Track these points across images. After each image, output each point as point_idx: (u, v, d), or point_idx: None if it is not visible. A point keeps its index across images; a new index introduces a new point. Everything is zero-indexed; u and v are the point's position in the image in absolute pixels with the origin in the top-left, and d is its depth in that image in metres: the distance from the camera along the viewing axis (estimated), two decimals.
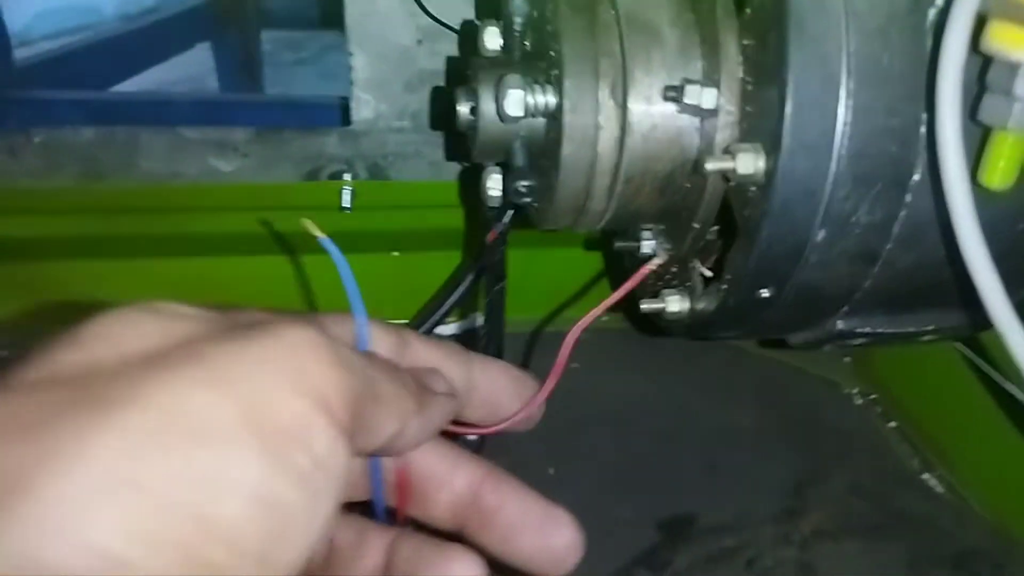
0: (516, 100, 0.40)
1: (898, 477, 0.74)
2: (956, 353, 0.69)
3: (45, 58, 1.26)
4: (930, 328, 0.43)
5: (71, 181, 0.77)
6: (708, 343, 0.86)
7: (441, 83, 0.74)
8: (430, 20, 0.69)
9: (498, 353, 0.48)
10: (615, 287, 0.87)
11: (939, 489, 0.72)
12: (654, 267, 0.44)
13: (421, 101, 0.75)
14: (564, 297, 0.87)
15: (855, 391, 0.84)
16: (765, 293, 0.40)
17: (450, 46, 0.72)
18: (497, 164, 0.48)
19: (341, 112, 0.78)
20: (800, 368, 0.85)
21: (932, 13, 0.34)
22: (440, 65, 0.73)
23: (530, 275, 0.83)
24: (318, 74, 2.15)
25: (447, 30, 0.70)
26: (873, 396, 0.83)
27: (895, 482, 0.73)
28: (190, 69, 1.65)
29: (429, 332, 0.74)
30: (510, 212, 0.46)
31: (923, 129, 0.35)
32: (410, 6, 0.69)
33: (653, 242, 0.47)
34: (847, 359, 0.87)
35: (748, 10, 0.37)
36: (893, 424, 0.80)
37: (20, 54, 1.09)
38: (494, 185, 0.48)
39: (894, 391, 0.82)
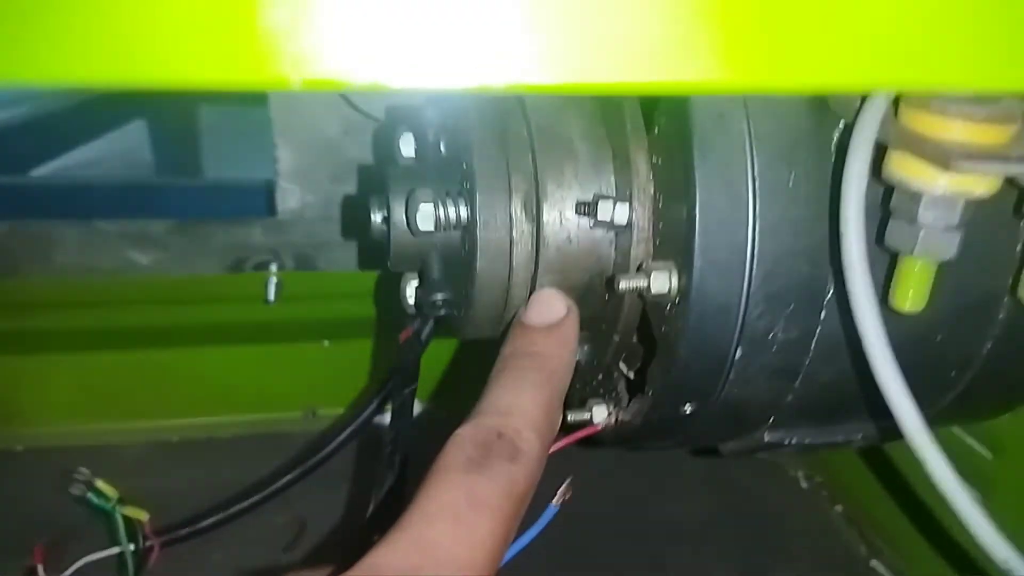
0: (426, 215, 0.39)
1: (845, 565, 0.73)
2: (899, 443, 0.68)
3: None
4: (857, 436, 0.43)
5: None
6: None
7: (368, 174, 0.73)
8: (355, 112, 0.68)
9: (404, 460, 0.46)
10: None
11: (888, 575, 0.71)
12: (597, 429, 0.43)
13: (348, 191, 0.73)
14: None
15: (800, 474, 0.83)
16: (688, 409, 0.39)
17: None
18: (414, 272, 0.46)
19: (267, 200, 0.76)
20: None
21: (836, 135, 0.34)
22: (368, 156, 0.72)
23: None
24: (259, 148, 2.13)
25: (374, 121, 0.69)
26: (818, 479, 0.83)
27: (843, 570, 0.72)
28: (124, 144, 1.61)
29: (358, 432, 0.72)
30: (429, 324, 0.44)
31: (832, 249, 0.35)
32: (334, 98, 0.68)
33: (578, 350, 0.46)
34: None
35: (656, 129, 0.37)
36: (839, 508, 0.79)
37: None
38: (412, 293, 0.46)
39: (839, 474, 0.81)
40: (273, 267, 0.75)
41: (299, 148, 0.71)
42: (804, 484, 0.83)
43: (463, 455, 0.31)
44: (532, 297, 0.39)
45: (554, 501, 0.36)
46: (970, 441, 0.60)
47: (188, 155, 1.57)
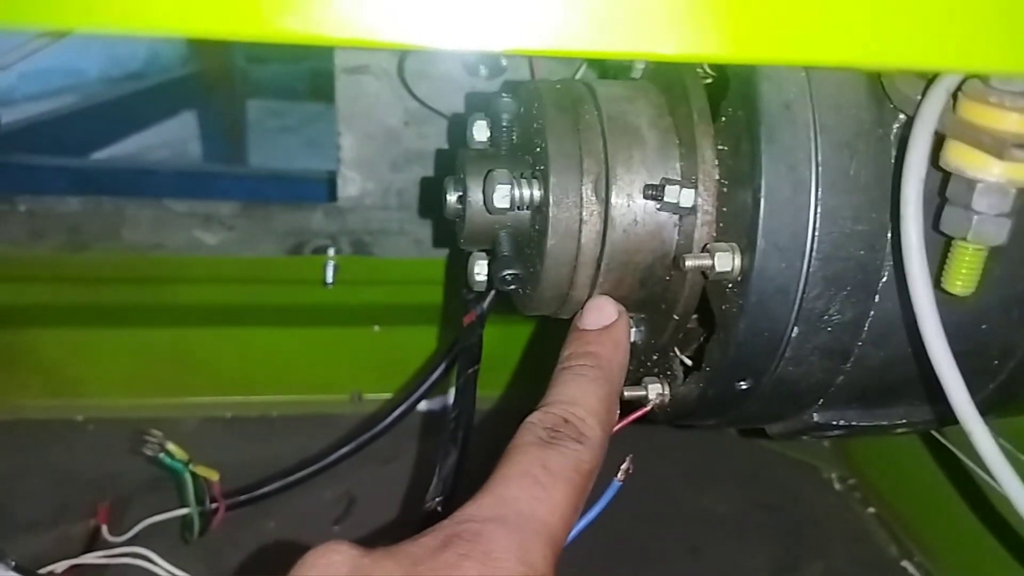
0: (503, 194, 0.42)
1: (877, 564, 0.74)
2: (934, 440, 0.70)
3: (29, 123, 1.28)
4: (901, 421, 0.44)
5: (55, 250, 0.77)
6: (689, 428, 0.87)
7: (426, 163, 0.76)
8: (416, 103, 0.71)
9: (466, 438, 0.49)
10: None
11: None
12: (650, 409, 0.46)
13: (406, 180, 0.76)
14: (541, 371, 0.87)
15: (834, 476, 0.85)
16: (743, 385, 0.41)
17: (436, 129, 0.74)
18: (483, 251, 0.49)
19: (328, 188, 0.80)
20: (780, 452, 0.86)
21: (896, 128, 0.37)
22: (426, 146, 0.75)
23: (506, 350, 0.84)
24: (303, 142, 2.18)
25: (434, 113, 0.72)
26: (852, 481, 0.84)
27: (874, 569, 0.73)
28: (173, 135, 1.66)
29: (411, 409, 0.75)
30: (490, 297, 0.47)
31: (889, 235, 0.37)
32: (398, 89, 0.71)
33: (635, 330, 0.48)
34: (826, 444, 0.88)
35: (723, 118, 0.40)
36: (872, 510, 0.80)
37: (3, 117, 1.11)
38: (480, 271, 0.49)
39: (872, 477, 0.82)
40: (331, 251, 0.79)
41: (361, 137, 0.74)
42: (838, 486, 0.84)
43: (534, 436, 0.35)
44: (586, 304, 0.43)
45: (617, 477, 0.39)
46: (1008, 446, 0.62)
47: (235, 147, 1.62)
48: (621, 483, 0.39)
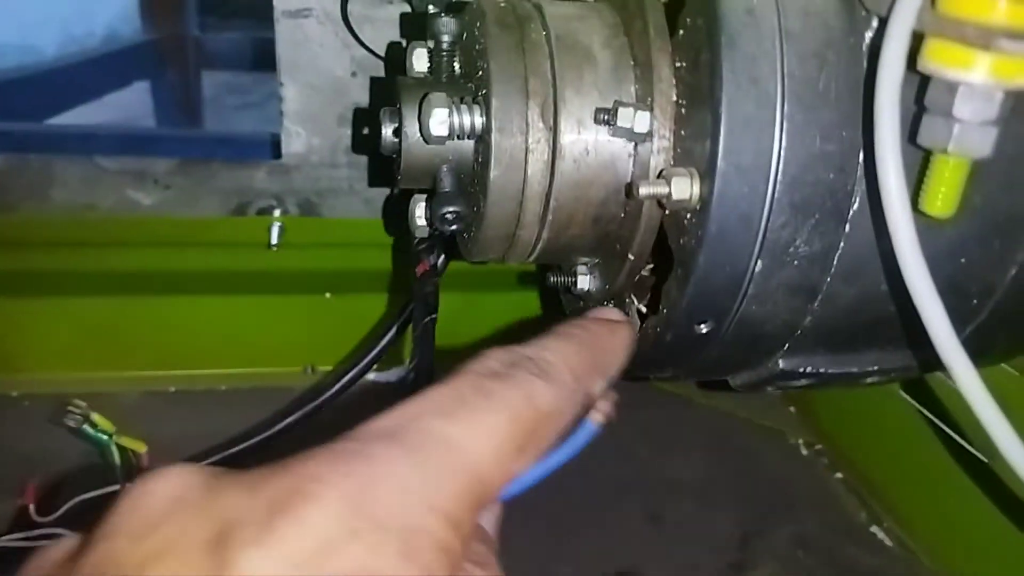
0: (440, 119, 0.38)
1: (846, 530, 0.72)
2: (902, 402, 0.68)
3: None
4: (873, 369, 0.41)
5: None
6: (654, 392, 0.85)
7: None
8: (365, 52, 0.67)
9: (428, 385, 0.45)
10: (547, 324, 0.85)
11: (888, 542, 0.71)
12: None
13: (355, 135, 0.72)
14: (503, 341, 0.84)
15: (801, 441, 0.83)
16: (703, 328, 0.38)
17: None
18: (424, 192, 0.45)
19: (272, 148, 0.75)
20: (746, 418, 0.84)
21: (869, 36, 0.33)
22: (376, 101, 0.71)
23: (464, 318, 0.80)
24: (264, 119, 2.12)
25: (383, 62, 0.68)
26: (819, 447, 0.82)
27: (843, 535, 0.71)
28: (126, 109, 1.60)
29: (365, 372, 0.71)
30: (442, 248, 0.43)
31: (862, 156, 0.33)
32: (344, 37, 0.67)
33: (589, 276, 0.45)
34: (792, 408, 0.86)
35: (681, 31, 0.36)
36: (839, 475, 0.78)
37: None
38: (422, 213, 0.45)
39: (840, 441, 0.80)
40: (276, 212, 0.74)
41: (305, 89, 0.69)
42: (805, 451, 0.82)
43: (484, 365, 0.27)
44: (591, 311, 0.35)
45: (592, 418, 0.29)
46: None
47: (190, 120, 1.56)
48: (598, 427, 0.29)
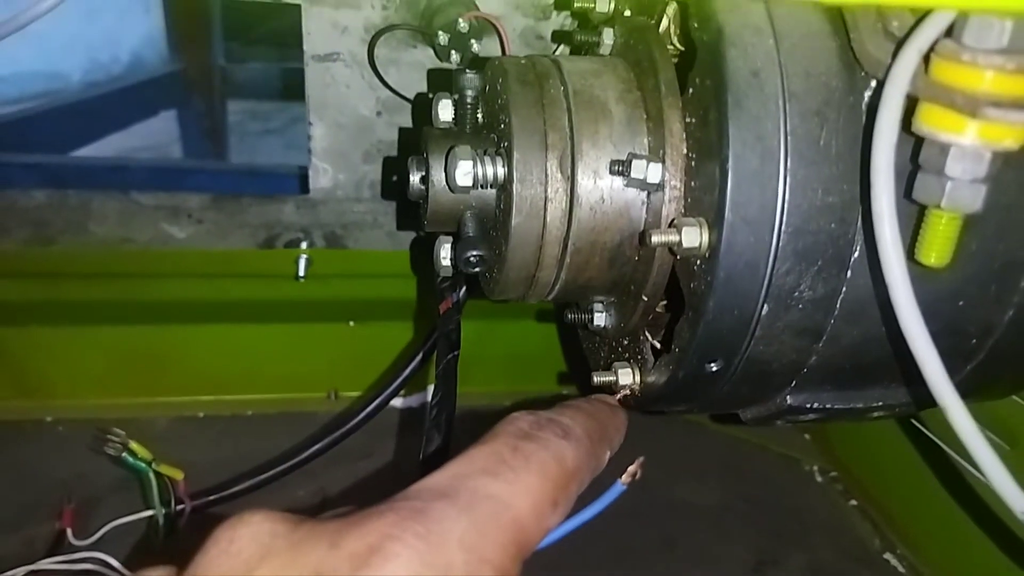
0: (465, 171, 0.40)
1: (859, 556, 0.73)
2: (916, 431, 0.69)
3: (3, 121, 1.25)
4: (878, 404, 0.43)
5: (21, 245, 0.75)
6: (669, 419, 0.86)
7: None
8: (390, 93, 0.70)
9: (449, 423, 0.47)
10: (568, 359, 0.86)
11: (901, 569, 0.71)
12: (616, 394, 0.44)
13: (380, 172, 0.75)
14: (521, 369, 0.86)
15: (815, 468, 0.84)
16: (713, 367, 0.40)
17: (409, 118, 0.73)
18: (449, 234, 0.48)
19: (299, 181, 0.78)
20: (761, 444, 0.85)
21: (867, 95, 0.35)
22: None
23: (486, 347, 0.82)
24: (285, 144, 2.16)
25: (406, 103, 0.71)
26: (833, 473, 0.83)
27: (856, 562, 0.72)
28: (154, 137, 1.64)
29: (386, 403, 0.73)
30: (463, 284, 0.46)
31: (861, 207, 0.36)
32: (370, 79, 0.70)
33: (605, 314, 0.47)
34: (807, 436, 0.87)
35: (691, 89, 0.38)
36: (854, 502, 0.79)
37: None
38: (446, 254, 0.48)
39: (854, 469, 0.81)
40: (303, 245, 0.77)
41: (332, 127, 0.72)
42: (819, 478, 0.83)
43: (514, 425, 0.31)
44: (592, 396, 0.40)
45: (622, 479, 0.34)
46: (988, 434, 0.61)
47: (215, 147, 1.60)
48: (626, 487, 0.34)
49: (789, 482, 0.81)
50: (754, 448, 0.84)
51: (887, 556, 0.73)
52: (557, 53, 0.55)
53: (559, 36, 0.66)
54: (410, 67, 0.69)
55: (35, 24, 0.48)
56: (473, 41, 0.63)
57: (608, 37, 0.46)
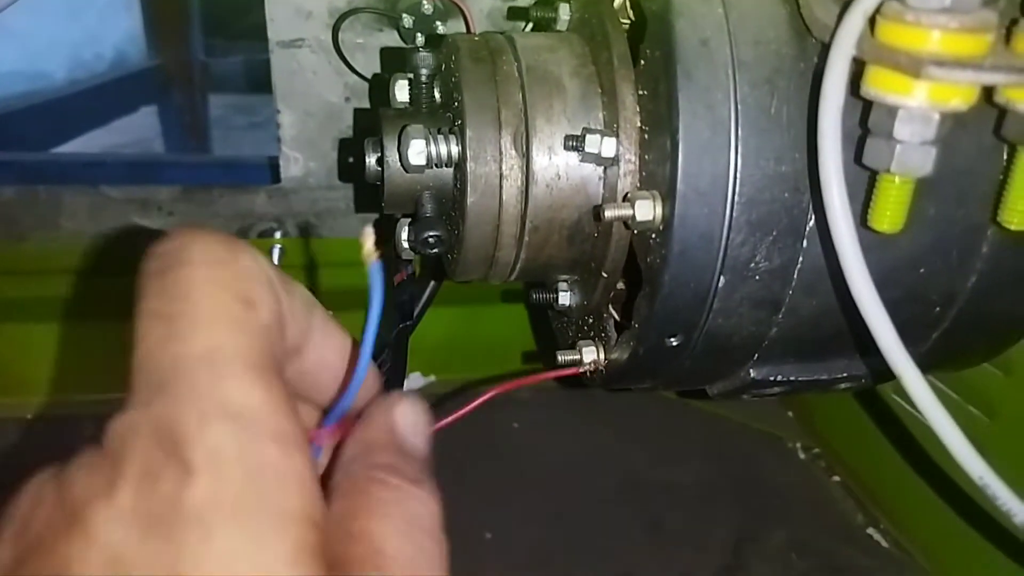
0: (418, 150, 0.40)
1: (842, 532, 0.73)
2: (898, 406, 0.69)
3: None
4: (843, 375, 0.43)
5: None
6: (650, 399, 0.86)
7: None
8: (357, 78, 0.69)
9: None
10: (538, 339, 0.86)
11: (884, 544, 0.71)
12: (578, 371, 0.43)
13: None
14: (498, 354, 0.86)
15: (798, 445, 0.84)
16: (673, 341, 0.39)
17: None
18: (409, 216, 0.47)
19: (272, 171, 0.77)
20: (743, 422, 0.85)
21: (817, 61, 0.35)
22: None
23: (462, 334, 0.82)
24: (271, 137, 2.14)
25: (369, 91, 0.70)
26: (816, 450, 0.83)
27: (839, 537, 0.72)
28: (134, 133, 1.63)
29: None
30: (415, 256, 0.45)
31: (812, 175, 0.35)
32: (337, 64, 0.69)
33: (569, 293, 0.46)
34: (790, 413, 0.87)
35: (642, 61, 0.38)
36: (837, 478, 0.79)
37: None
38: (407, 237, 0.47)
39: (837, 445, 0.81)
40: (277, 234, 0.77)
41: (301, 115, 0.72)
42: (802, 455, 0.83)
43: None
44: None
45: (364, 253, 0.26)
46: (968, 407, 0.61)
47: (198, 141, 1.59)
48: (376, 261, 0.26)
49: (772, 460, 0.81)
50: (736, 426, 0.84)
51: (870, 531, 0.73)
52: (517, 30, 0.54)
53: (516, 13, 0.65)
54: (376, 51, 0.68)
55: (18, 24, 0.48)
56: (438, 23, 0.62)
57: (564, 12, 0.45)
